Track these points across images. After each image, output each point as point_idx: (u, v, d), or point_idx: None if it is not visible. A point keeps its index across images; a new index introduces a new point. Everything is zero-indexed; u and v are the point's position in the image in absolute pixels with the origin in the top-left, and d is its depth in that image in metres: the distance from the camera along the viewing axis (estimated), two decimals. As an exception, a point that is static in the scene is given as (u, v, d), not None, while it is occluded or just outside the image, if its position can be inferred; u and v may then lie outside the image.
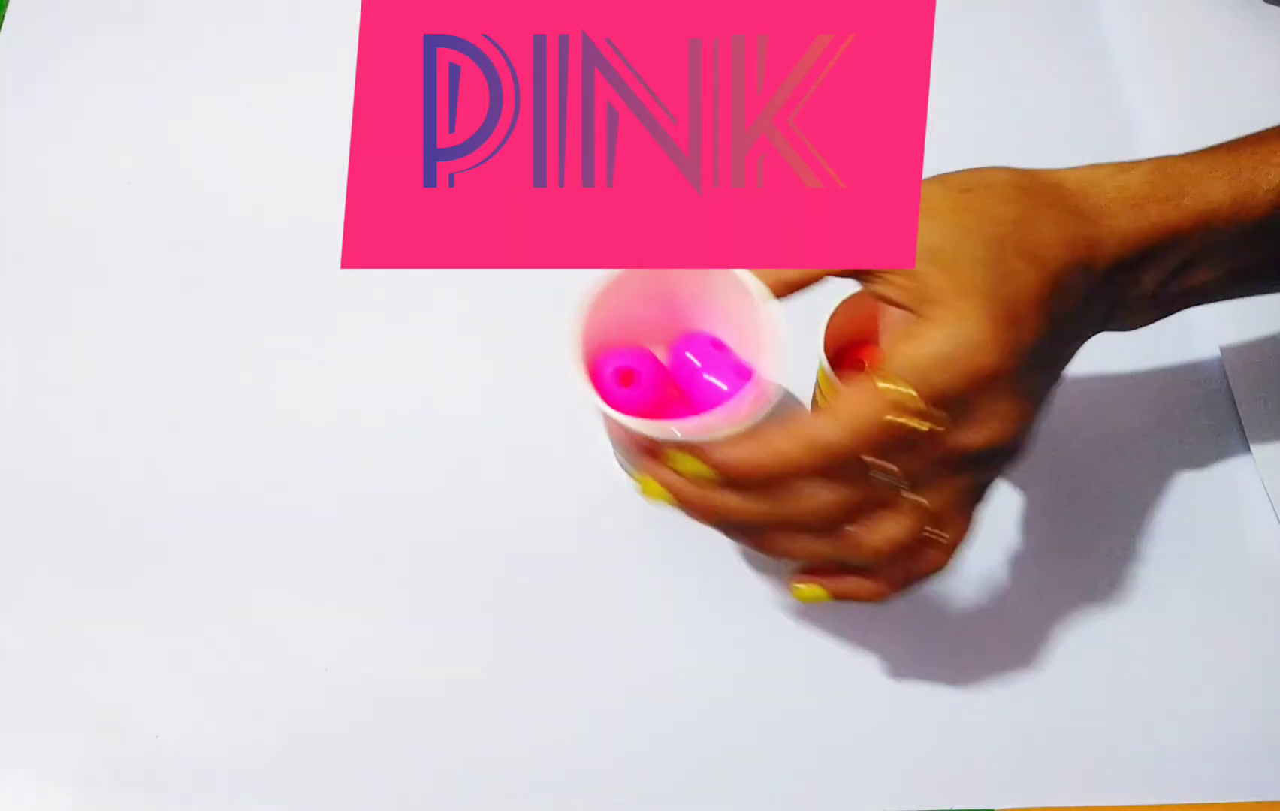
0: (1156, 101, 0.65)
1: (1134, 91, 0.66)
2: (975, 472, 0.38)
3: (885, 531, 0.38)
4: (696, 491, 0.38)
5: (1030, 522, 0.53)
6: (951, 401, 0.36)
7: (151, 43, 0.64)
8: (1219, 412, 0.56)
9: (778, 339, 0.37)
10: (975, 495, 0.39)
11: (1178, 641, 0.51)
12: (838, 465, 0.36)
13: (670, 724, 0.48)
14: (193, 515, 0.51)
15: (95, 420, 0.53)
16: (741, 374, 0.39)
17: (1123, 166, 0.41)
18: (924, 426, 0.35)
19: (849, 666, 0.50)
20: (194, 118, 0.62)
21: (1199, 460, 0.55)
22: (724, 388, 0.37)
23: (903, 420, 0.35)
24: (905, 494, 0.37)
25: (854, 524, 0.37)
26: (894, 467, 0.36)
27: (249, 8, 0.66)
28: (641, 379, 0.38)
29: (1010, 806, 0.47)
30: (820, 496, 0.37)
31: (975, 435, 0.37)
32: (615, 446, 0.41)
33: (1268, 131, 0.42)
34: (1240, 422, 0.55)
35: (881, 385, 0.35)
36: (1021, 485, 0.53)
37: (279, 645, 0.49)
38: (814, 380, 0.50)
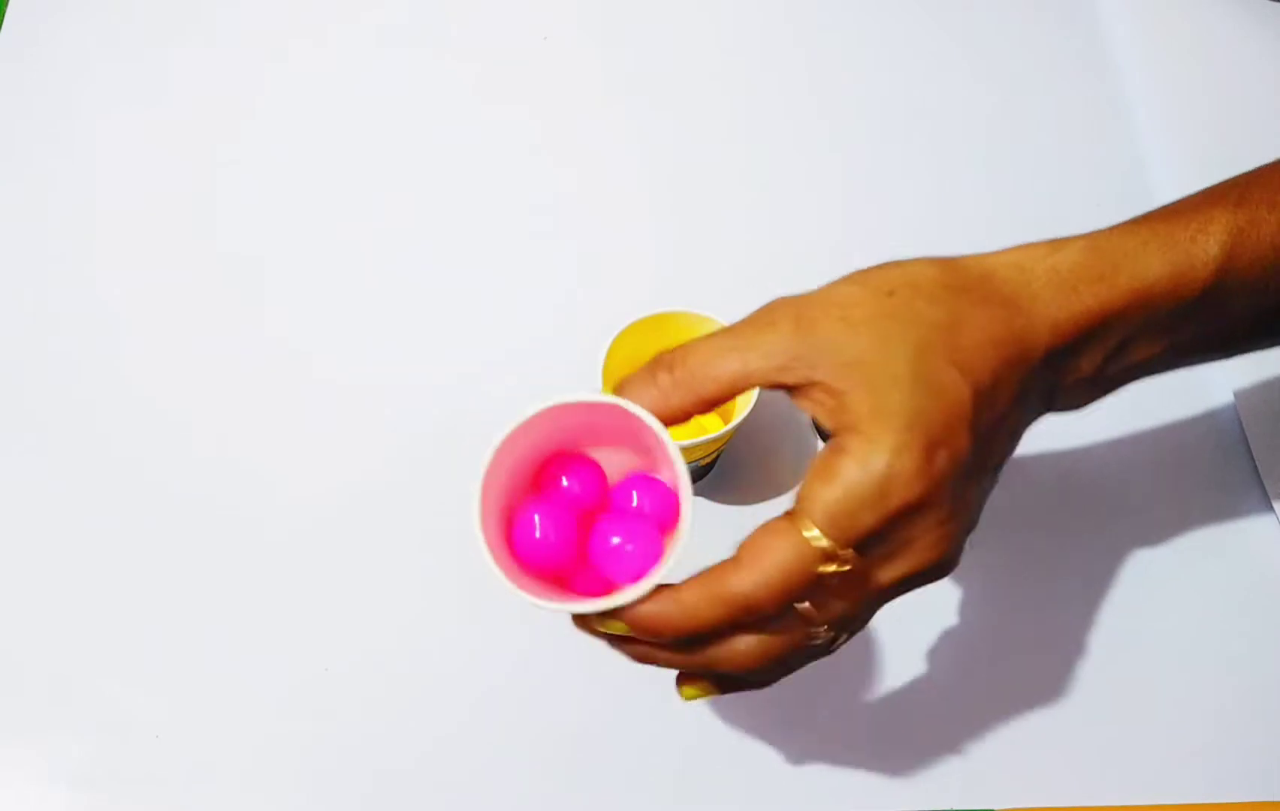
0: (1157, 100, 0.65)
1: (1134, 91, 0.66)
2: (894, 594, 0.37)
3: (794, 657, 0.37)
4: (627, 645, 0.38)
5: (1034, 530, 0.53)
6: (868, 540, 0.34)
7: (154, 42, 0.64)
8: (1228, 434, 0.56)
9: (689, 500, 0.36)
10: (885, 603, 0.38)
11: (1178, 642, 0.51)
12: (752, 614, 0.35)
13: (671, 723, 0.48)
14: (193, 515, 0.51)
15: (94, 421, 0.53)
16: (651, 538, 0.37)
17: (1055, 245, 0.39)
18: (832, 569, 0.34)
19: (849, 667, 0.50)
20: (194, 116, 0.62)
21: (1202, 471, 0.55)
22: (629, 548, 0.37)
23: (817, 569, 0.34)
24: (818, 630, 0.36)
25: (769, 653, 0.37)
26: (814, 614, 0.35)
27: (247, 3, 0.66)
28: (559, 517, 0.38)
29: (1010, 806, 0.47)
30: (742, 644, 0.36)
31: (896, 567, 0.35)
32: None
33: (1202, 194, 0.40)
34: (1242, 425, 0.55)
35: (796, 534, 0.34)
36: (1027, 498, 0.53)
37: (279, 645, 0.49)
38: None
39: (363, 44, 0.65)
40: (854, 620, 0.37)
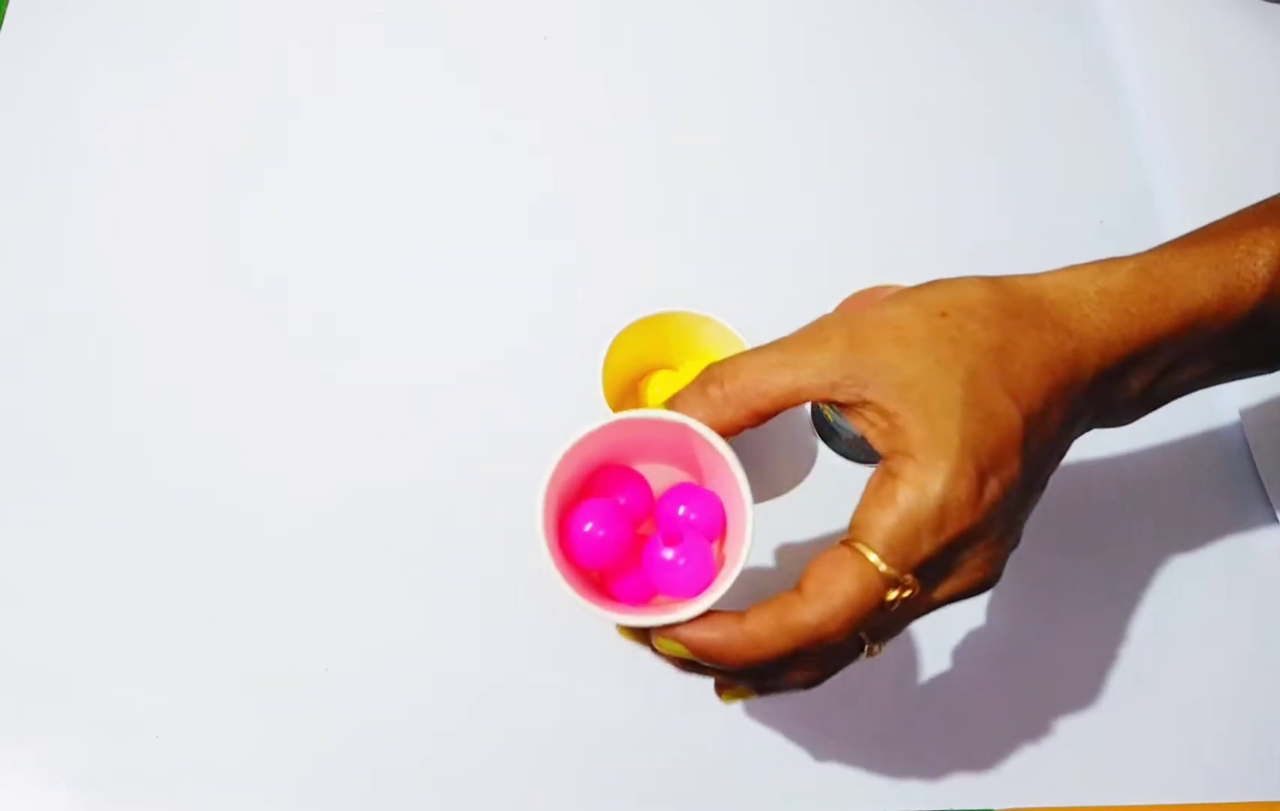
0: (1157, 100, 0.65)
1: (1134, 91, 0.66)
2: (936, 608, 0.37)
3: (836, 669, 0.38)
4: (681, 664, 0.38)
5: (1037, 540, 0.53)
6: (925, 566, 0.35)
7: (154, 41, 0.64)
8: (1234, 452, 0.56)
9: (751, 516, 0.36)
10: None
11: (1177, 643, 0.51)
12: (820, 645, 0.35)
13: (671, 724, 0.48)
14: (193, 515, 0.51)
15: (95, 420, 0.53)
16: (704, 555, 0.38)
17: (1104, 266, 0.39)
18: (895, 595, 0.34)
19: (849, 667, 0.50)
20: (197, 116, 0.62)
21: (1207, 487, 0.55)
22: (682, 562, 0.37)
23: (884, 597, 0.34)
24: (873, 647, 0.36)
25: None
26: (864, 638, 0.36)
27: (248, 3, 0.66)
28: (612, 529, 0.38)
29: (1010, 806, 0.47)
30: (802, 670, 0.37)
31: (948, 588, 0.36)
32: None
33: (1249, 212, 0.40)
34: (1248, 443, 0.56)
35: (862, 563, 0.34)
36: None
37: (279, 645, 0.49)
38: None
39: (364, 45, 0.65)
40: (898, 632, 0.37)
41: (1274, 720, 0.49)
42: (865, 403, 0.36)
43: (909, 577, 0.34)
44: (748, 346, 0.41)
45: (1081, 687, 0.50)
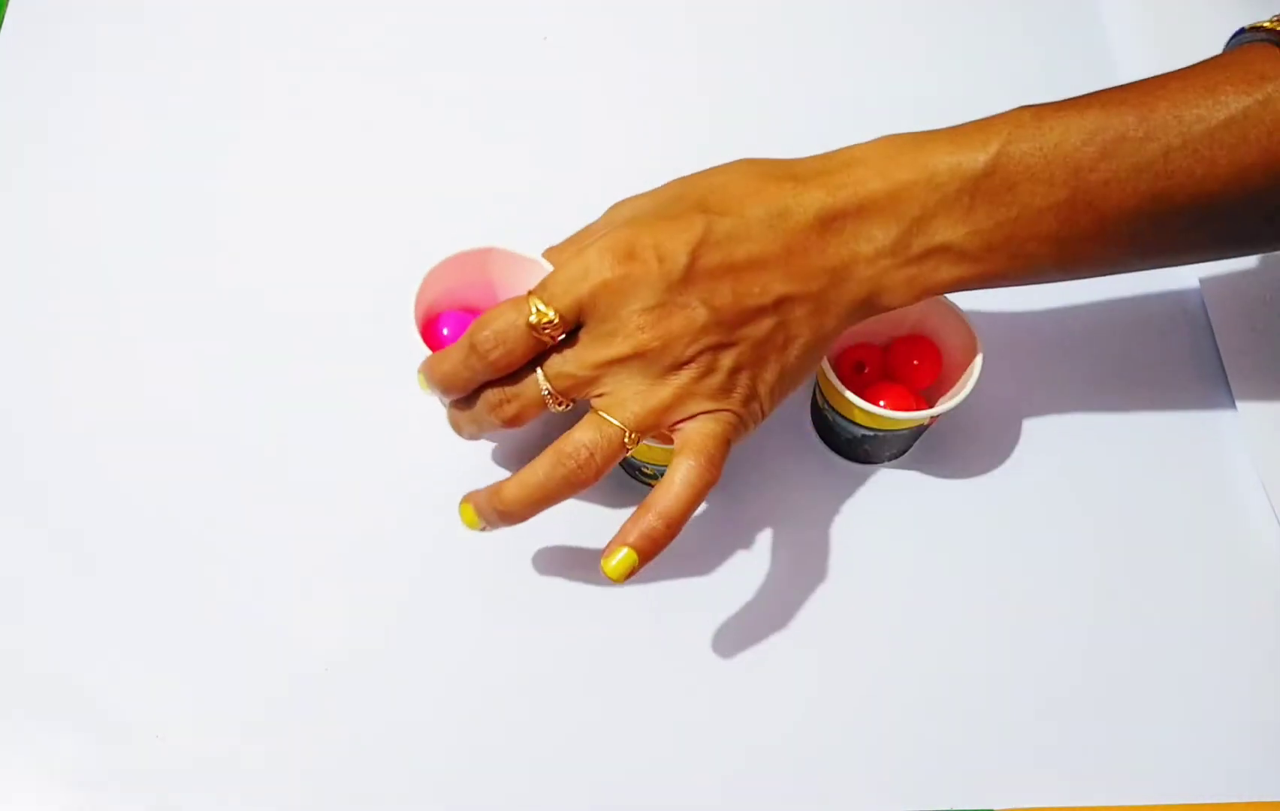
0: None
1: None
2: (625, 375, 0.42)
3: (575, 437, 0.43)
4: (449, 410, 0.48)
5: (1026, 519, 0.53)
6: (583, 312, 0.42)
7: (152, 42, 0.64)
8: (1207, 369, 0.56)
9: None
10: (637, 394, 0.43)
11: (1178, 641, 0.51)
12: (495, 363, 0.43)
13: (668, 724, 0.48)
14: (193, 515, 0.51)
15: (96, 419, 0.53)
16: None
17: (858, 145, 0.44)
18: (542, 322, 0.42)
19: (849, 666, 0.50)
20: (194, 116, 0.62)
21: (1198, 459, 0.55)
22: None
23: (526, 320, 0.42)
24: (548, 389, 0.44)
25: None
26: (546, 372, 0.43)
27: (248, 5, 0.66)
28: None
29: (1010, 806, 0.47)
30: (492, 395, 0.45)
31: (611, 347, 0.42)
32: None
33: (1001, 114, 0.44)
34: (1228, 383, 0.56)
35: (521, 301, 0.43)
36: (1016, 478, 0.53)
37: (279, 645, 0.49)
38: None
39: (363, 46, 0.65)
40: (584, 387, 0.43)
41: (1274, 719, 0.49)
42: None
43: (551, 310, 0.42)
44: None
45: (1079, 685, 0.49)
